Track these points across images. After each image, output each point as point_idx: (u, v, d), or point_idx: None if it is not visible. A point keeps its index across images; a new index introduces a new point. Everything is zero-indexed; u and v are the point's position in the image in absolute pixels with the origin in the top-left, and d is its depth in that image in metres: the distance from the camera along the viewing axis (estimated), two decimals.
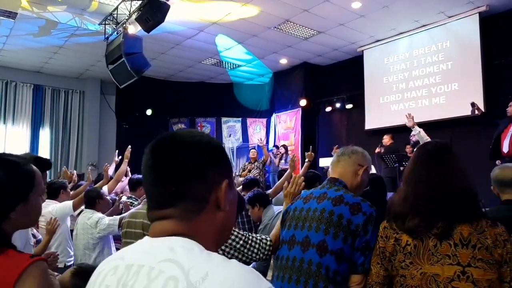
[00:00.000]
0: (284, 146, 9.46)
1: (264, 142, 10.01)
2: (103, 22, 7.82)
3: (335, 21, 7.96)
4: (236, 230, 1.97)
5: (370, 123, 9.21)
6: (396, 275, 1.34)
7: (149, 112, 11.59)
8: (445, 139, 8.13)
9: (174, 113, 12.01)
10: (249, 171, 7.87)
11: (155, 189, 0.82)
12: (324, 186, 1.79)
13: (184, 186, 0.79)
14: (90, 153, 11.46)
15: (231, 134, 11.97)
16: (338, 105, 9.93)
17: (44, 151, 11.01)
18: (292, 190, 2.03)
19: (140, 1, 6.82)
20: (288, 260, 1.66)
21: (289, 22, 7.99)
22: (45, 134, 11.11)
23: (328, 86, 10.51)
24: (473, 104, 6.29)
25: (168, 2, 6.59)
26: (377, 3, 7.17)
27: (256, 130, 11.94)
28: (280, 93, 11.16)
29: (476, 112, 6.31)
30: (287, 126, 10.78)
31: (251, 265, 2.20)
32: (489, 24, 7.44)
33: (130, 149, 4.17)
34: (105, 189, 3.83)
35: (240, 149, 11.55)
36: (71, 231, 3.54)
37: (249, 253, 1.94)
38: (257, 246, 1.94)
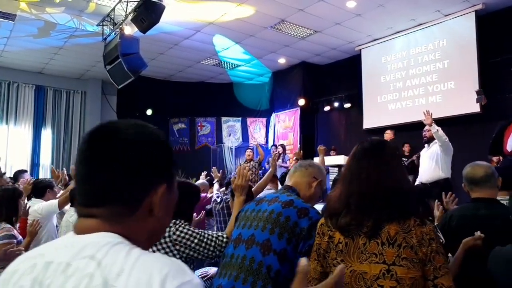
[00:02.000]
0: (282, 146, 9.48)
1: (258, 142, 10.04)
2: (101, 23, 7.90)
3: (331, 21, 7.96)
4: (191, 228, 1.98)
5: (368, 122, 9.20)
6: (329, 272, 1.35)
7: (149, 112, 11.67)
8: None
9: (174, 113, 12.08)
10: None
11: (84, 185, 0.75)
12: (277, 192, 1.84)
13: (116, 186, 0.72)
14: None
15: (231, 133, 12.01)
16: (336, 104, 9.93)
17: (45, 151, 11.16)
18: (238, 183, 2.05)
19: (136, 2, 6.89)
20: (232, 257, 1.69)
21: (285, 22, 8.01)
22: (47, 134, 11.23)
23: (326, 85, 10.51)
24: (479, 92, 6.14)
25: (163, 3, 6.65)
26: (372, 2, 7.16)
27: (256, 130, 11.97)
28: (279, 93, 11.18)
29: (482, 102, 6.19)
30: (286, 125, 10.80)
31: None
32: (485, 22, 7.40)
33: None
34: None
35: (239, 148, 11.59)
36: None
37: (205, 251, 1.96)
38: (213, 243, 1.96)
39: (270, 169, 3.52)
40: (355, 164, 1.37)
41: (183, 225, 1.98)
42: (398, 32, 8.55)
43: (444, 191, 5.11)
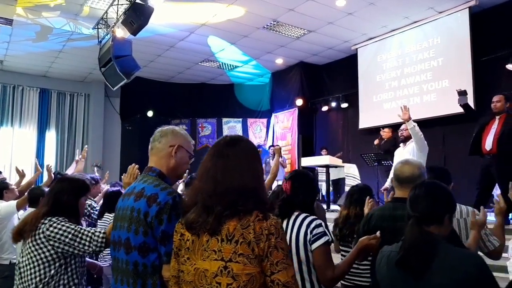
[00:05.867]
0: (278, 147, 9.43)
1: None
2: (96, 26, 8.03)
3: (323, 20, 7.92)
4: (67, 224, 2.01)
5: (364, 122, 9.10)
6: (181, 271, 1.33)
7: (150, 113, 11.80)
8: (438, 137, 8.00)
9: (176, 114, 12.19)
10: None
11: None
12: (137, 178, 1.80)
13: None
14: (95, 154, 11.73)
15: None
16: (334, 104, 9.87)
17: (50, 153, 11.40)
18: (126, 180, 2.07)
19: (126, 5, 6.98)
20: (114, 260, 1.72)
21: (277, 22, 8.00)
22: (51, 136, 11.48)
23: (324, 85, 10.47)
24: (461, 92, 5.88)
25: (151, 5, 6.71)
26: (362, 0, 7.09)
27: (257, 131, 11.98)
28: (278, 93, 11.17)
29: (464, 102, 5.92)
30: (284, 126, 10.77)
31: None
32: (479, 19, 7.25)
33: (87, 149, 4.31)
34: None
35: None
36: None
37: (80, 246, 2.00)
38: (88, 239, 2.00)
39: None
40: (207, 160, 1.35)
41: (57, 221, 2.03)
42: (393, 30, 8.45)
43: None
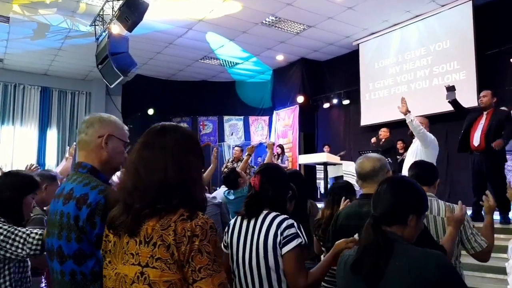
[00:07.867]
0: (280, 146, 9.30)
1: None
2: (93, 23, 7.96)
3: (322, 14, 7.76)
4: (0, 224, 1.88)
5: (366, 119, 8.93)
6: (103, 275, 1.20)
7: (151, 111, 11.72)
8: (441, 134, 7.80)
9: (177, 112, 12.10)
10: None
11: None
12: (67, 178, 1.61)
13: None
14: None
15: (233, 132, 11.93)
16: (335, 101, 9.70)
17: (51, 151, 11.39)
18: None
19: (121, 1, 6.89)
20: (50, 270, 1.55)
21: (275, 17, 7.86)
22: (52, 135, 11.47)
23: (326, 81, 10.31)
24: (450, 88, 5.60)
25: (146, 1, 6.61)
26: None
27: (258, 128, 11.84)
28: (279, 90, 11.02)
29: (452, 99, 5.62)
30: (285, 123, 10.63)
31: None
32: (483, 12, 7.05)
33: (75, 146, 4.21)
34: None
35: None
36: None
37: (13, 248, 1.84)
38: (21, 241, 1.83)
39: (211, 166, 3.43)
40: (134, 152, 1.20)
41: None
42: (395, 25, 8.26)
43: None
